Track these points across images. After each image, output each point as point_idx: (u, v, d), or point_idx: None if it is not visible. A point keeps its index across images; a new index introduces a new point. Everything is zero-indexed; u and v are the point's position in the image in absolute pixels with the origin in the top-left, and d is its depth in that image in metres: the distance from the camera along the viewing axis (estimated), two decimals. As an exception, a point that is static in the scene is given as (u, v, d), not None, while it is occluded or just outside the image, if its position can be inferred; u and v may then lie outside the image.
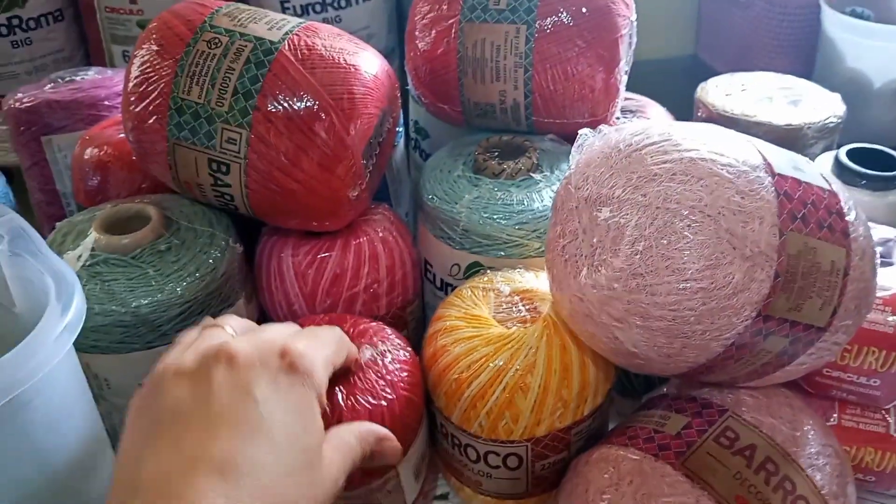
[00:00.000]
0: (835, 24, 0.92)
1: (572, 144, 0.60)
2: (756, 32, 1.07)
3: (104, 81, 0.70)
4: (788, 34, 1.04)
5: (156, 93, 0.49)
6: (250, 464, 0.28)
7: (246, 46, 0.49)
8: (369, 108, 0.50)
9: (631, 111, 0.67)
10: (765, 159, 0.40)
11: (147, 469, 0.28)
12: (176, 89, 0.48)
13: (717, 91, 0.68)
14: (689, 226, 0.37)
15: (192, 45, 0.49)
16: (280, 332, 0.35)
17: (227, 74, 0.48)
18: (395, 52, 1.00)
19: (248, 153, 0.48)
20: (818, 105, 0.66)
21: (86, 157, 0.60)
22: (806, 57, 1.03)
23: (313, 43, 0.49)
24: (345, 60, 0.49)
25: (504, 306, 0.49)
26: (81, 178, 0.61)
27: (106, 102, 0.69)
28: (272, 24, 0.50)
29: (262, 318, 0.56)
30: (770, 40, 1.06)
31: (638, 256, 0.38)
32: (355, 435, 0.37)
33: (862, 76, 0.89)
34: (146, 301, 0.47)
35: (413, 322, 0.59)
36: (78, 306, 0.36)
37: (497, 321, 0.48)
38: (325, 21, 0.90)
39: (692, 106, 0.73)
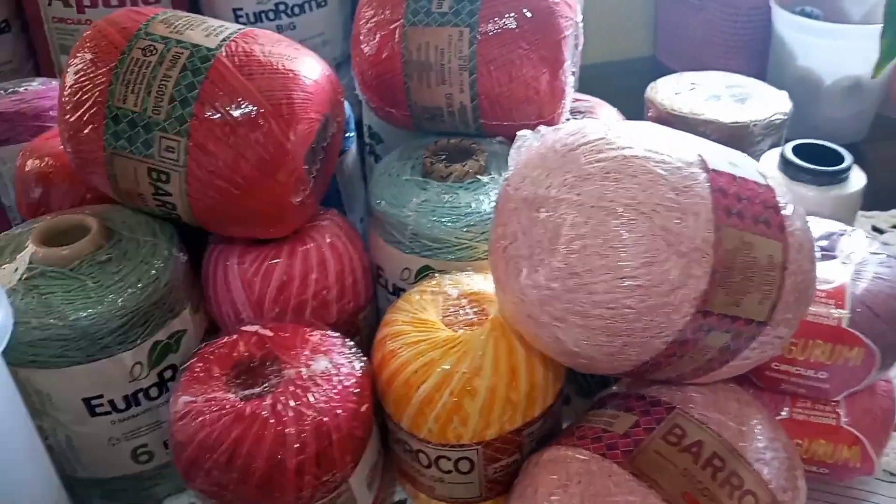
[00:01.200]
0: (785, 23, 0.93)
1: (521, 146, 0.60)
2: (710, 34, 1.09)
3: (48, 92, 0.68)
4: (741, 34, 1.05)
5: (91, 101, 0.48)
6: None
7: (182, 53, 0.48)
8: (310, 113, 0.49)
9: (581, 112, 0.67)
10: (699, 155, 0.40)
11: None
12: (111, 98, 0.48)
13: (667, 90, 0.69)
14: (623, 224, 0.37)
15: (127, 52, 0.48)
16: None
17: (163, 82, 0.47)
18: (349, 57, 0.99)
19: (187, 161, 0.47)
20: (765, 102, 0.67)
21: (27, 168, 0.59)
22: (759, 56, 1.05)
23: (251, 49, 0.49)
24: (284, 66, 0.49)
25: (452, 309, 0.48)
26: (23, 191, 0.59)
27: (51, 113, 0.68)
28: (210, 31, 0.50)
29: (211, 327, 0.55)
30: (724, 41, 1.07)
31: (574, 256, 0.38)
32: None
33: (812, 74, 0.90)
34: (85, 314, 0.46)
35: (366, 329, 0.58)
36: (3, 318, 0.35)
37: (445, 324, 0.47)
38: (278, 28, 0.89)
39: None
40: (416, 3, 0.56)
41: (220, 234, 0.55)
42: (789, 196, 0.43)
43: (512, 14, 0.55)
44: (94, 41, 0.49)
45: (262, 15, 0.88)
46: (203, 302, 0.55)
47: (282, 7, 0.89)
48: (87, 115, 0.48)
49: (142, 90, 0.47)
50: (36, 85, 0.71)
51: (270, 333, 0.47)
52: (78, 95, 0.48)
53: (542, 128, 0.44)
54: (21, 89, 0.69)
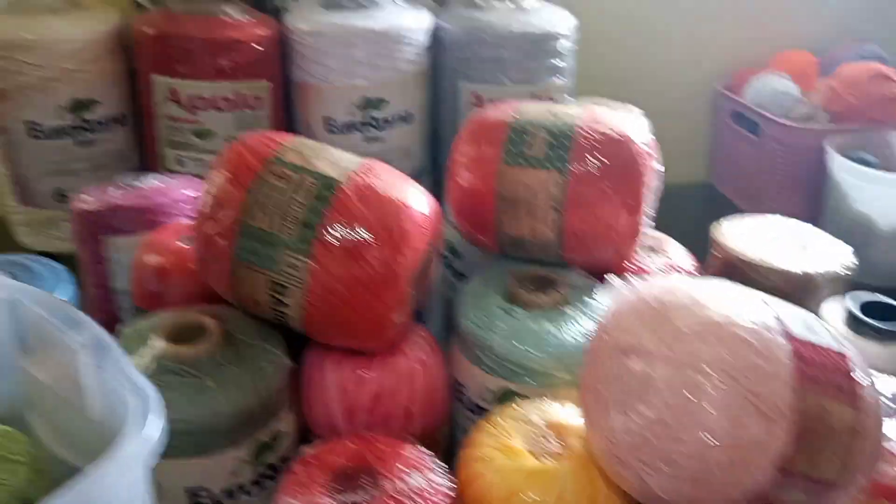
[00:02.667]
0: (841, 168, 0.98)
1: (598, 278, 0.65)
2: (766, 168, 1.14)
3: (165, 190, 0.75)
4: (796, 173, 1.10)
5: (226, 218, 0.54)
6: None
7: (311, 182, 0.54)
8: (419, 243, 0.55)
9: (651, 248, 0.72)
10: (781, 322, 0.44)
11: None
12: (245, 216, 0.54)
13: (732, 233, 0.73)
14: (713, 384, 0.41)
15: (263, 176, 0.54)
16: None
17: (292, 206, 0.53)
18: (428, 170, 1.06)
19: (307, 278, 0.53)
20: (829, 253, 0.71)
21: (146, 262, 0.65)
22: (814, 194, 1.09)
23: (371, 182, 0.55)
24: (399, 199, 0.55)
25: (536, 438, 0.52)
26: (141, 283, 0.65)
27: (165, 210, 0.75)
28: (335, 162, 0.56)
29: (304, 429, 0.59)
30: (780, 177, 1.12)
31: (667, 408, 0.42)
32: None
33: (867, 219, 0.94)
34: (203, 411, 0.50)
35: (443, 442, 0.62)
36: (159, 429, 0.39)
37: (530, 453, 0.51)
38: (365, 140, 0.97)
39: (705, 232, 0.78)
40: (512, 147, 0.62)
41: (321, 342, 0.59)
42: (861, 360, 0.46)
43: (599, 162, 0.61)
44: (233, 163, 0.55)
45: (352, 126, 0.96)
46: (298, 403, 0.59)
47: (371, 121, 0.96)
48: (220, 229, 0.54)
49: (274, 212, 0.53)
50: (153, 181, 0.78)
51: (368, 444, 0.51)
52: (215, 211, 0.54)
53: (632, 278, 0.49)
54: (140, 185, 0.76)
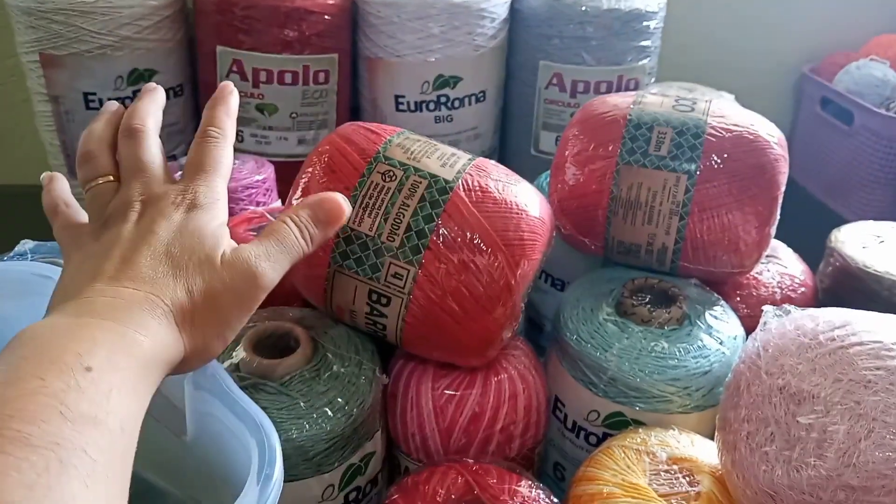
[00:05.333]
0: (949, 166, 0.91)
1: (716, 291, 0.59)
2: (857, 161, 1.06)
3: (233, 172, 0.70)
4: (893, 167, 1.03)
5: (323, 221, 0.48)
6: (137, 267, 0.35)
7: (420, 183, 0.48)
8: (536, 252, 0.49)
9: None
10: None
11: (64, 281, 0.37)
12: (347, 219, 0.48)
13: (853, 242, 0.67)
14: (909, 444, 0.35)
15: (367, 175, 0.49)
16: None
17: (401, 210, 0.47)
18: (496, 150, 1.00)
19: (413, 289, 0.47)
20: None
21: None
22: (909, 192, 1.02)
23: (486, 184, 0.49)
24: (516, 204, 0.49)
25: (662, 476, 0.46)
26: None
27: (233, 195, 0.69)
28: (444, 161, 0.50)
29: (390, 445, 0.55)
30: (872, 171, 1.05)
31: (850, 469, 0.36)
32: (283, 221, 0.40)
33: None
34: (296, 434, 0.45)
35: (538, 462, 0.57)
36: (279, 474, 0.35)
37: (657, 493, 0.45)
38: (435, 119, 0.91)
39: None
40: (632, 143, 0.56)
41: (411, 353, 0.54)
42: None
43: (733, 166, 0.54)
44: (335, 160, 0.49)
45: (423, 105, 0.90)
46: (385, 418, 0.54)
47: (443, 100, 0.90)
48: (317, 232, 0.48)
49: (379, 215, 0.48)
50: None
51: (476, 476, 0.46)
52: (311, 211, 0.49)
53: (790, 308, 0.43)
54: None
